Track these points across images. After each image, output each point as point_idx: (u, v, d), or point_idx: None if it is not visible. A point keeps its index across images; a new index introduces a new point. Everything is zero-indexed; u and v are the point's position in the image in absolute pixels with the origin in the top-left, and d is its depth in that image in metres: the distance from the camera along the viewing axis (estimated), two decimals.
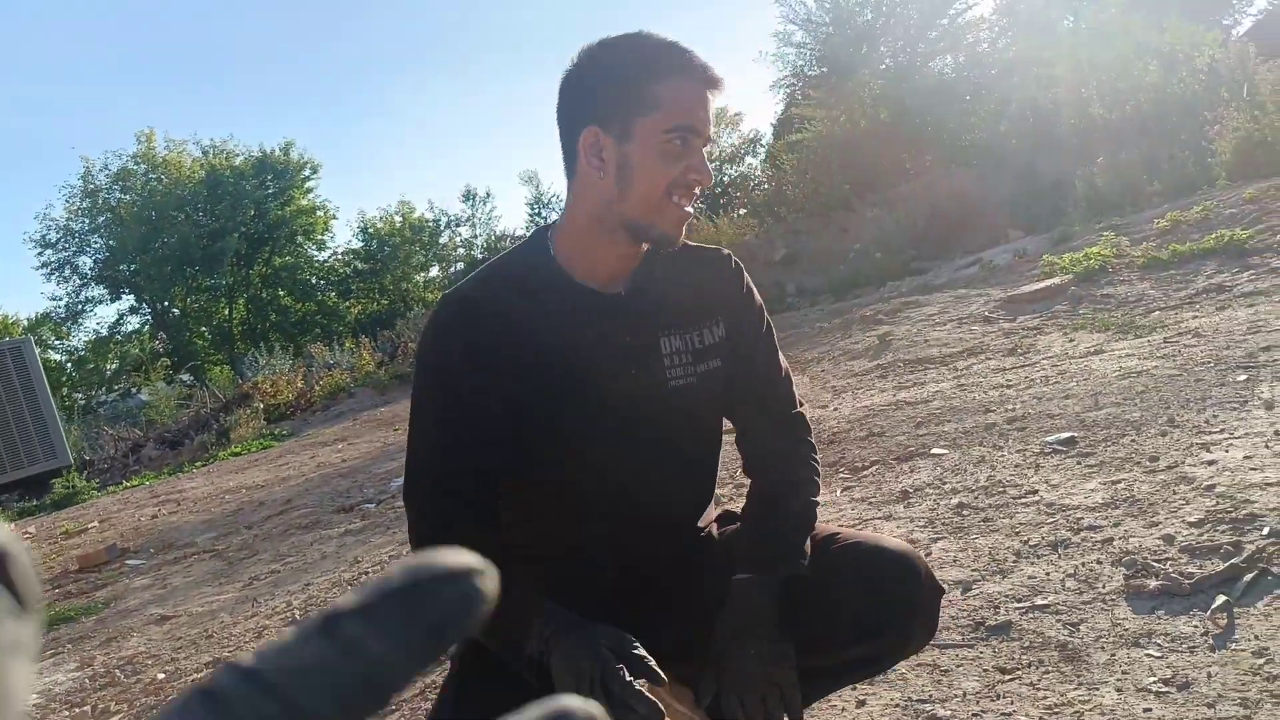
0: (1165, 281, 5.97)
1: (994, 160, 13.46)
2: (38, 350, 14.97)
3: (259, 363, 19.45)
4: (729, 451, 1.92)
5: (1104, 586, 2.32)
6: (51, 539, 8.85)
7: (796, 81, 20.37)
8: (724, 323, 1.78)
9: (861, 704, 2.09)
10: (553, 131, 1.68)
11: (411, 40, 69.87)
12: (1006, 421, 3.95)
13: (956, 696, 2.02)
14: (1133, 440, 3.28)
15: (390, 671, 0.30)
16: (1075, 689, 1.93)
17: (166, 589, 5.44)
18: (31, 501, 12.40)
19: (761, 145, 31.79)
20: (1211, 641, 1.99)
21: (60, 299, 36.41)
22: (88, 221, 35.70)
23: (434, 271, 38.59)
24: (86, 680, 4.01)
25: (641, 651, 1.47)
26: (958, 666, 2.15)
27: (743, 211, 17.37)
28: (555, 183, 35.93)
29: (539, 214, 35.28)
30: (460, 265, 36.04)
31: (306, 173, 38.03)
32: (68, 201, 35.81)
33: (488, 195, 37.67)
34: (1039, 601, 2.33)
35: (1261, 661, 1.87)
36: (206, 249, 34.67)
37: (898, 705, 2.05)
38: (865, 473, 3.85)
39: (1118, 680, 1.93)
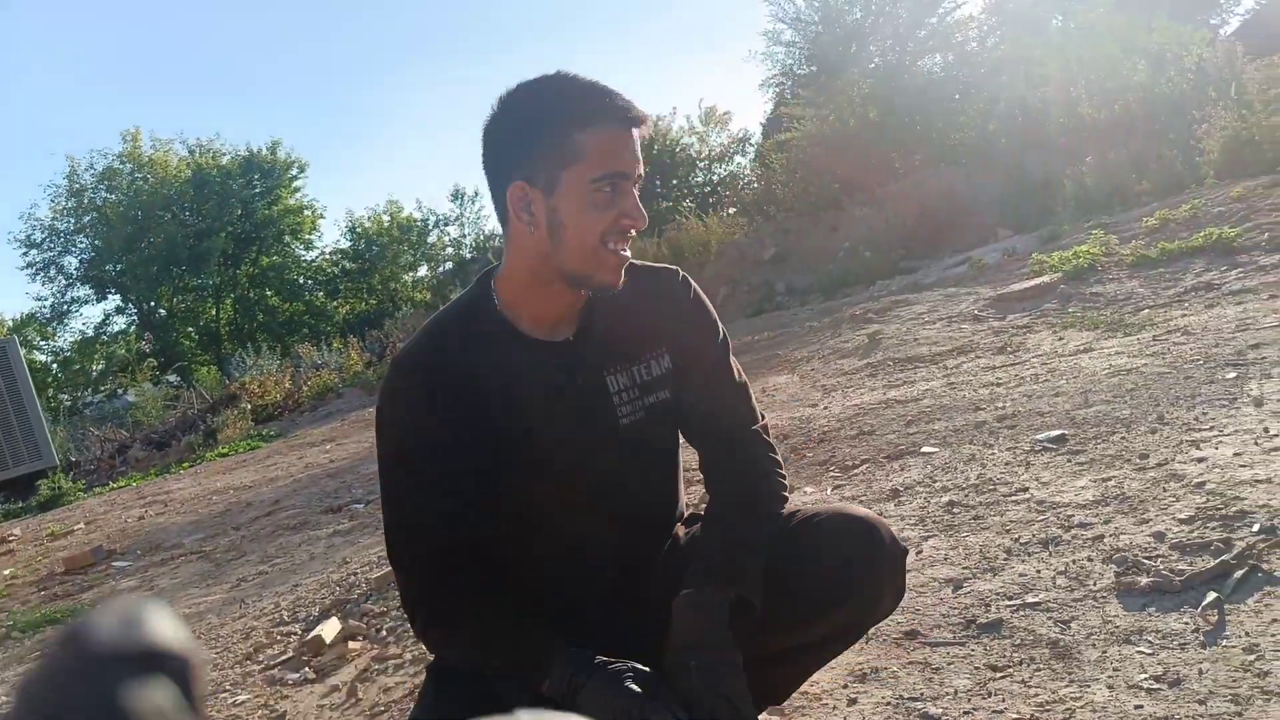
0: (1154, 280, 5.98)
1: (983, 159, 13.48)
2: (23, 351, 14.89)
3: (246, 363, 19.40)
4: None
5: (1095, 584, 2.32)
6: (37, 541, 8.80)
7: (786, 80, 20.41)
8: (669, 352, 1.78)
9: (853, 702, 2.09)
10: None
11: (399, 38, 69.72)
12: (997, 419, 3.95)
13: (948, 694, 2.02)
14: (1123, 438, 3.28)
15: None
16: (1066, 686, 1.93)
17: (153, 590, 5.41)
18: (17, 503, 12.33)
19: (751, 144, 31.79)
20: (1202, 638, 1.99)
21: (45, 299, 36.24)
22: (73, 221, 35.52)
23: (422, 271, 38.49)
24: None
25: (668, 692, 1.49)
26: (949, 664, 2.14)
27: (732, 210, 17.38)
28: None
29: None
30: (449, 265, 35.96)
31: (294, 172, 37.89)
32: (53, 201, 35.62)
33: (476, 194, 37.49)
34: (1030, 599, 2.32)
35: (1252, 658, 1.87)
36: (193, 249, 34.53)
37: (889, 703, 2.05)
38: (856, 471, 3.84)
39: (1109, 677, 1.92)
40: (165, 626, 0.30)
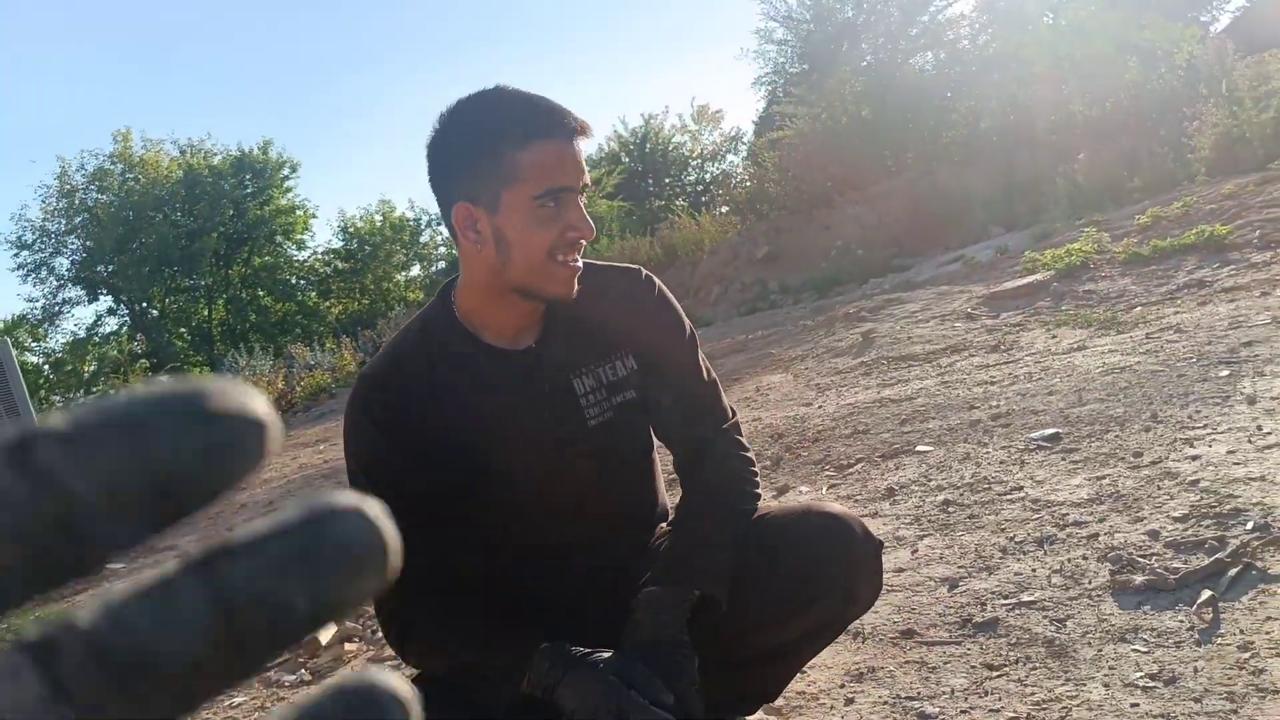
0: (1146, 277, 6.00)
1: (975, 157, 13.50)
2: (14, 352, 14.85)
3: (239, 364, 19.37)
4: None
5: (1090, 582, 2.32)
6: None
7: (778, 79, 20.43)
8: (632, 353, 1.78)
9: (850, 701, 2.09)
10: None
11: (390, 37, 69.64)
12: (991, 418, 3.96)
13: (945, 693, 2.02)
14: (1117, 436, 3.29)
15: (96, 523, 0.22)
16: (1062, 685, 1.93)
17: None
18: None
19: (743, 143, 31.84)
20: (1197, 636, 1.99)
21: (37, 300, 36.23)
22: (64, 222, 35.43)
23: (415, 270, 38.49)
24: None
25: (649, 682, 1.50)
26: (945, 664, 2.14)
27: (725, 209, 17.38)
28: None
29: None
30: (442, 264, 35.95)
31: (285, 172, 37.83)
32: (44, 202, 35.53)
33: None
34: (1025, 598, 2.33)
35: (1247, 655, 1.87)
36: (185, 249, 34.46)
37: (886, 702, 2.05)
38: (851, 470, 3.85)
39: (1105, 675, 1.93)
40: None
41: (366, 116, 68.40)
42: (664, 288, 1.85)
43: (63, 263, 35.72)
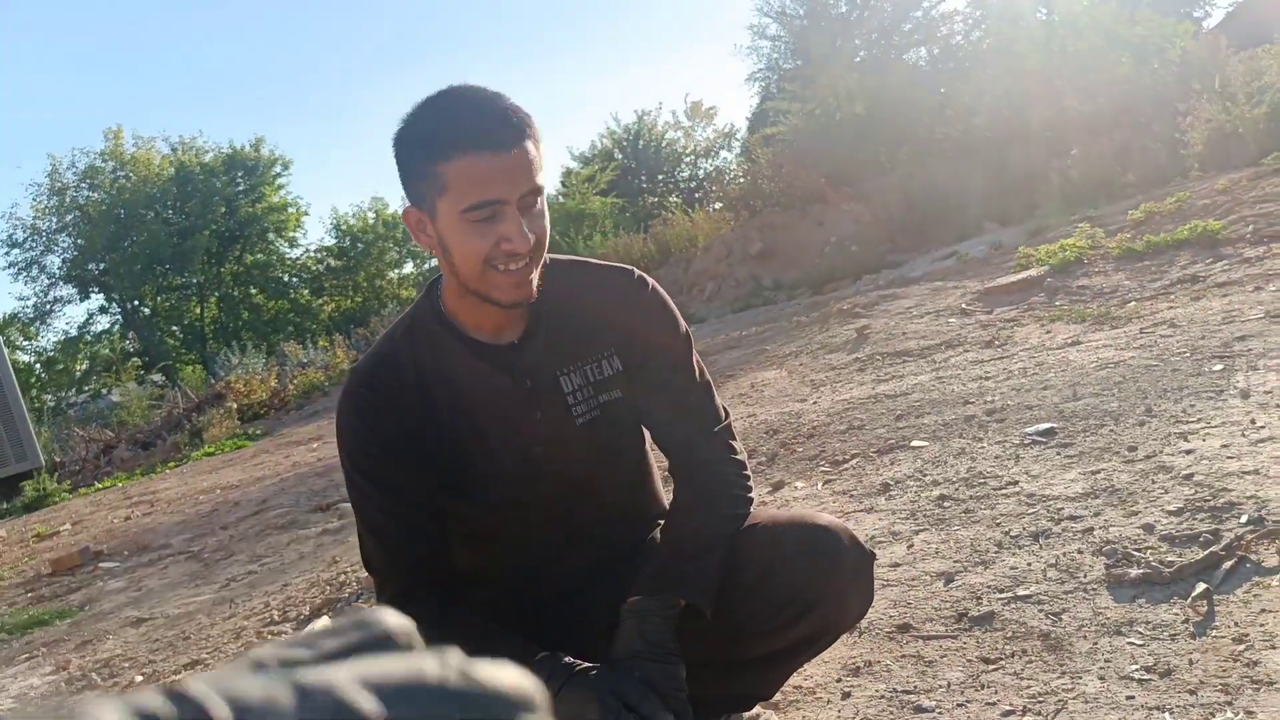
0: (1140, 272, 6.01)
1: (968, 153, 13.51)
2: (6, 351, 14.81)
3: (231, 362, 19.35)
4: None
5: (1085, 576, 2.33)
6: (23, 542, 8.76)
7: (771, 75, 20.42)
8: (618, 354, 1.77)
9: (846, 695, 2.09)
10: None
11: (383, 35, 69.51)
12: (986, 413, 3.96)
13: (941, 687, 2.03)
14: (1111, 430, 3.30)
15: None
16: (1058, 678, 1.94)
17: (142, 591, 5.39)
18: (2, 504, 12.27)
19: (737, 139, 31.84)
20: (1192, 629, 2.00)
21: (28, 299, 36.17)
22: (55, 220, 35.35)
23: (408, 268, 38.46)
24: (62, 684, 3.97)
25: (645, 699, 1.50)
26: (942, 657, 2.15)
27: (718, 206, 17.38)
28: None
29: None
30: (434, 261, 35.87)
31: (277, 169, 37.79)
32: (34, 200, 35.46)
33: None
34: (1021, 591, 2.33)
35: (1241, 648, 1.88)
36: (177, 247, 34.38)
37: (882, 696, 2.05)
38: (846, 466, 3.85)
39: (1100, 668, 1.93)
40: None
41: (358, 113, 68.31)
42: (658, 288, 1.84)
43: (54, 261, 35.68)
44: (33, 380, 33.36)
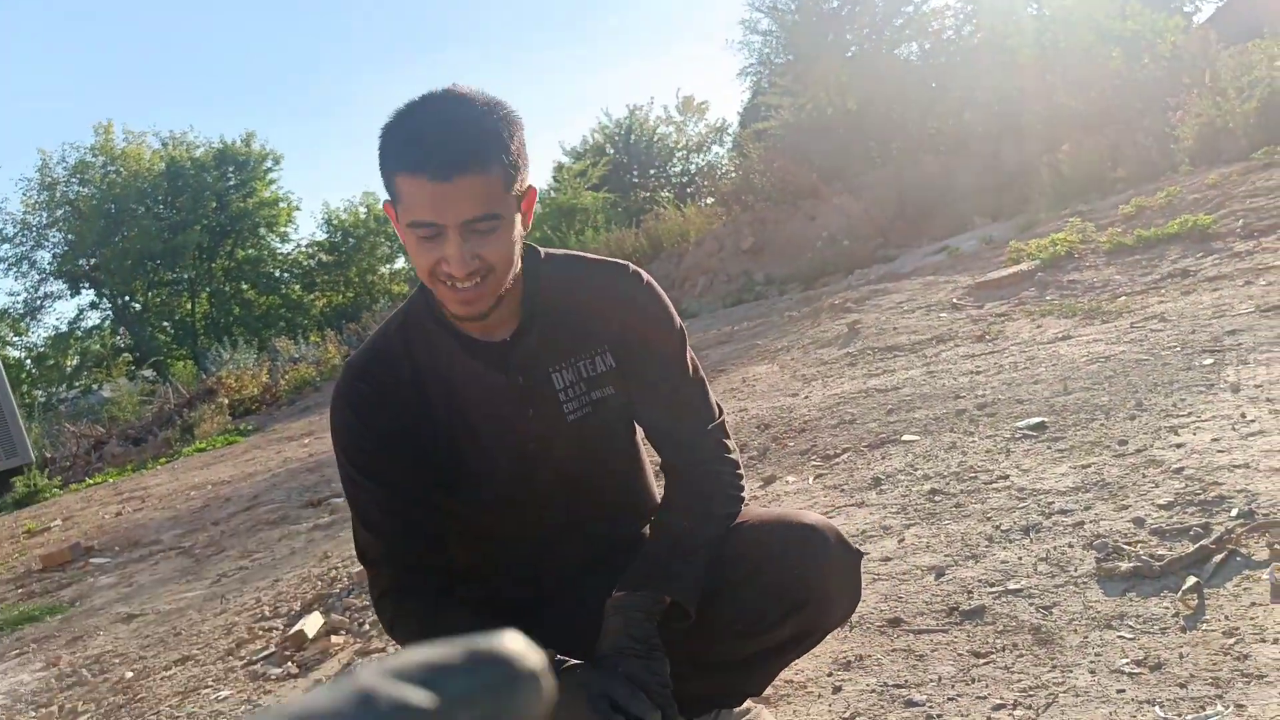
0: (1131, 267, 6.02)
1: (960, 147, 13.52)
2: None
3: (223, 357, 19.31)
4: None
5: (1075, 569, 2.33)
6: (14, 538, 8.74)
7: (763, 69, 20.39)
8: (611, 350, 1.77)
9: (838, 690, 2.09)
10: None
11: (375, 28, 69.35)
12: (977, 407, 3.97)
13: (932, 681, 2.03)
14: (1102, 424, 3.30)
15: None
16: (1049, 671, 1.94)
17: (133, 587, 5.38)
18: None
19: (728, 134, 31.82)
20: (1182, 622, 2.00)
21: (18, 294, 36.00)
22: (45, 215, 35.17)
23: (400, 263, 38.36)
24: (53, 680, 3.96)
25: (633, 695, 1.51)
26: (932, 651, 2.15)
27: (710, 200, 17.37)
28: None
29: None
30: None
31: (269, 164, 37.66)
32: (24, 195, 35.33)
33: None
34: (1012, 585, 2.34)
35: (1231, 641, 1.88)
36: (168, 242, 34.26)
37: (873, 690, 2.05)
38: (837, 460, 3.85)
39: (1091, 662, 1.93)
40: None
41: (350, 108, 68.13)
42: (653, 283, 1.83)
43: (44, 256, 35.50)
44: (23, 376, 33.25)
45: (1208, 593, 2.09)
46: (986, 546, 2.60)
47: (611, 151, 31.01)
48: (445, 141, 1.49)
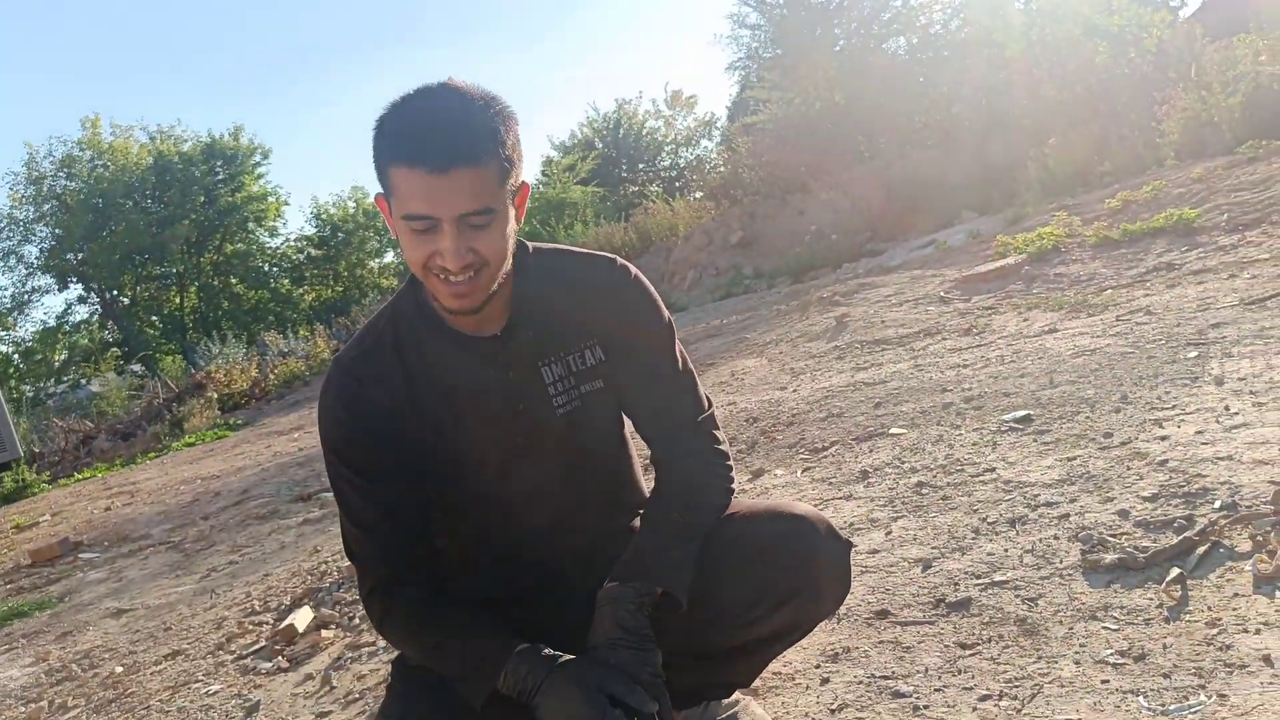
0: (1117, 260, 6.05)
1: (948, 142, 13.54)
2: None
3: (212, 352, 19.26)
4: None
5: (1061, 561, 2.35)
6: (2, 534, 8.72)
7: (751, 64, 20.37)
8: (600, 343, 1.77)
9: (825, 681, 2.11)
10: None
11: (363, 23, 69.11)
12: (963, 401, 3.99)
13: (919, 672, 2.05)
14: (1087, 417, 3.33)
15: None
16: (1034, 662, 1.96)
17: (122, 582, 5.38)
18: None
19: (717, 128, 31.81)
20: (1166, 613, 2.02)
21: (5, 289, 35.82)
22: (33, 209, 34.97)
23: (389, 257, 38.28)
24: (42, 675, 3.96)
25: (628, 688, 1.51)
26: (919, 643, 2.17)
27: (699, 195, 17.38)
28: None
29: None
30: None
31: (257, 158, 37.53)
32: (11, 189, 35.10)
33: None
34: (998, 577, 2.35)
35: (1214, 631, 1.90)
36: (156, 236, 34.12)
37: (861, 681, 2.07)
38: (825, 453, 3.87)
39: (1075, 653, 1.95)
40: None
41: (338, 103, 67.93)
42: (640, 276, 1.83)
43: (31, 251, 35.31)
44: (11, 371, 33.12)
45: (1191, 584, 2.11)
46: (973, 539, 2.62)
47: (600, 146, 31.00)
48: (443, 134, 1.48)
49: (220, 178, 36.48)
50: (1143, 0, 11.92)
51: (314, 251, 38.23)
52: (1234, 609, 1.97)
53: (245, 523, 6.03)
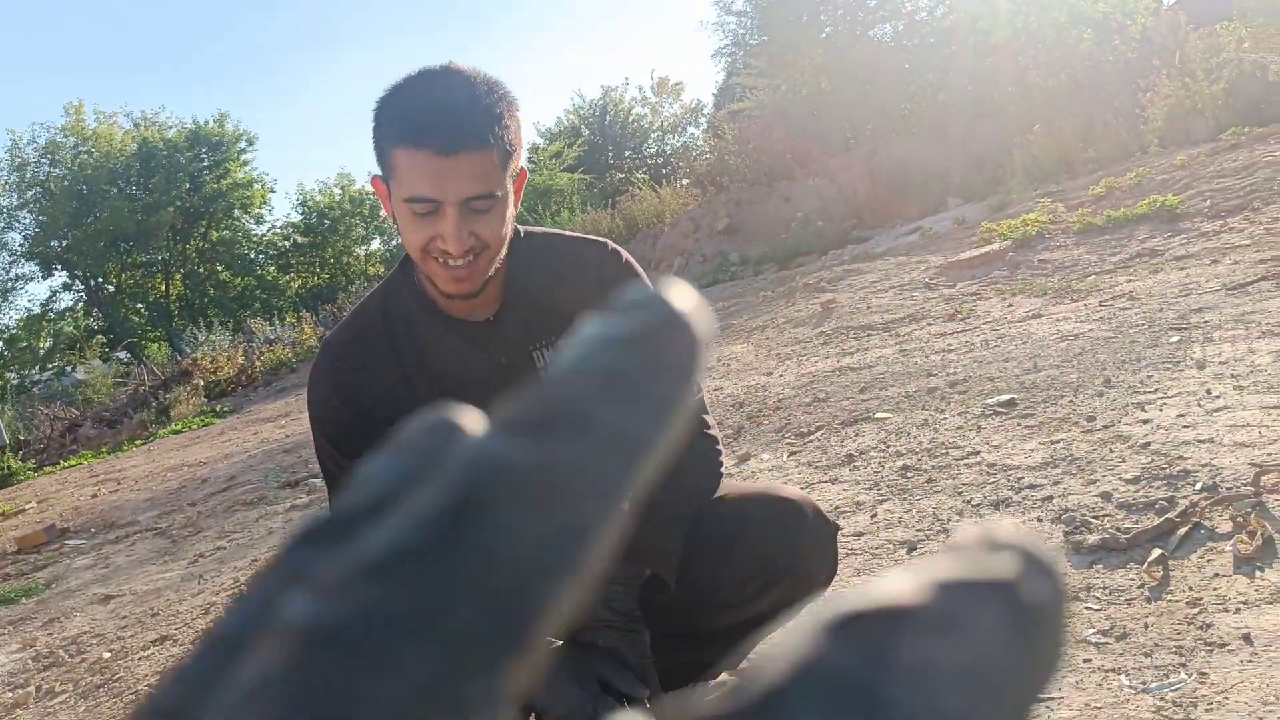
0: (1100, 246, 6.08)
1: (934, 129, 13.56)
2: None
3: (198, 339, 19.19)
4: None
5: (1044, 543, 2.37)
6: None
7: (738, 50, 20.35)
8: None
9: None
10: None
11: (351, 10, 68.76)
12: (948, 385, 4.01)
13: None
14: (1070, 401, 3.35)
15: None
16: None
17: (109, 568, 5.37)
18: None
19: (703, 115, 31.78)
20: (1148, 593, 2.05)
21: None
22: (16, 196, 34.71)
23: (375, 244, 38.14)
24: (30, 661, 3.96)
25: (620, 672, 1.52)
26: None
27: (685, 181, 17.38)
28: None
29: None
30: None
31: (242, 145, 37.29)
32: None
33: None
34: None
35: (1195, 611, 1.93)
36: (141, 223, 33.91)
37: None
38: (811, 437, 3.89)
39: None
40: None
41: (324, 90, 67.62)
42: (631, 260, 1.84)
43: (15, 238, 35.04)
44: None
45: (1172, 564, 2.13)
46: (957, 521, 2.65)
47: (586, 133, 30.94)
48: (450, 117, 1.47)
49: (205, 164, 36.25)
50: None
51: (300, 239, 38.04)
52: (1214, 589, 1.99)
53: (232, 509, 6.03)
